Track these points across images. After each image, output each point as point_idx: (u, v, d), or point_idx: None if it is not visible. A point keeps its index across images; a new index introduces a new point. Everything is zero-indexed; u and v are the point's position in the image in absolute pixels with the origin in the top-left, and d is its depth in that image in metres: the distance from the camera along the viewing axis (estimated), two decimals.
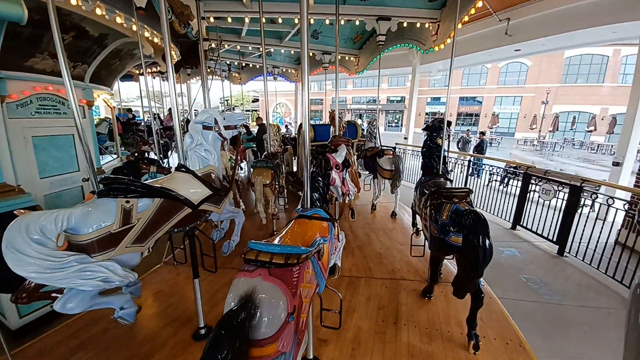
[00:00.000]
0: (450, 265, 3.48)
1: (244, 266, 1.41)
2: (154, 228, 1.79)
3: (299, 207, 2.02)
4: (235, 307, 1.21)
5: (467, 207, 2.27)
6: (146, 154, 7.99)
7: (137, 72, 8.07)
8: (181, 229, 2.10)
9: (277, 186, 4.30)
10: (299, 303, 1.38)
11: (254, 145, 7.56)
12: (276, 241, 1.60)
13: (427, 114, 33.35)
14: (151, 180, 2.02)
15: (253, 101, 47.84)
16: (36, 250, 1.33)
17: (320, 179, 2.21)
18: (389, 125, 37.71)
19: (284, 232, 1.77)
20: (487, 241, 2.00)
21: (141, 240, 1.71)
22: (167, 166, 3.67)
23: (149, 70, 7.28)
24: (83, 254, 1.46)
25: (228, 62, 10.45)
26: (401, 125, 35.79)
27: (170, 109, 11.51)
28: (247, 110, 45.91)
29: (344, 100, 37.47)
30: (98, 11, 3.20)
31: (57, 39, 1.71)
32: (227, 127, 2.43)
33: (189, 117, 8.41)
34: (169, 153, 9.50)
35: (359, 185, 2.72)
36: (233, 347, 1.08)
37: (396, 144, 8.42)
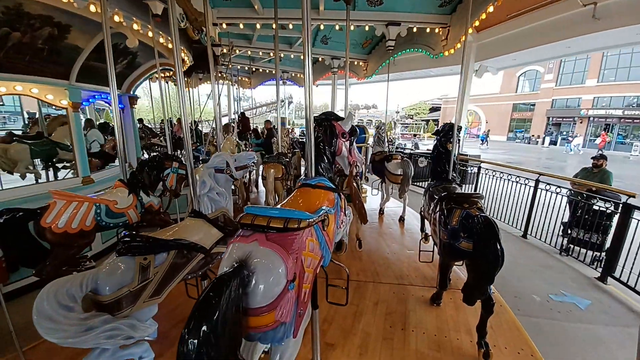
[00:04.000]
0: (459, 271, 3.42)
1: (239, 232, 1.31)
2: (170, 279, 1.83)
3: (302, 176, 1.94)
4: (228, 271, 1.12)
5: (477, 213, 2.24)
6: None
7: (156, 77, 8.30)
8: (194, 275, 2.13)
9: (286, 183, 4.41)
10: (301, 271, 1.29)
11: (262, 149, 7.66)
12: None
13: None
14: (165, 229, 2.08)
15: (431, 110, 41.53)
16: (64, 316, 1.37)
17: (325, 146, 2.06)
18: (620, 143, 22.46)
19: (287, 200, 1.71)
20: (499, 247, 1.97)
21: (158, 292, 1.74)
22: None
23: (163, 75, 7.45)
24: (106, 314, 1.51)
25: (238, 67, 10.61)
26: None
27: (178, 119, 11.60)
28: (423, 120, 40.88)
29: (577, 105, 25.05)
30: (116, 18, 3.31)
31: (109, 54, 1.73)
32: (238, 168, 2.52)
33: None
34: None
35: (366, 218, 2.63)
36: (223, 312, 1.02)
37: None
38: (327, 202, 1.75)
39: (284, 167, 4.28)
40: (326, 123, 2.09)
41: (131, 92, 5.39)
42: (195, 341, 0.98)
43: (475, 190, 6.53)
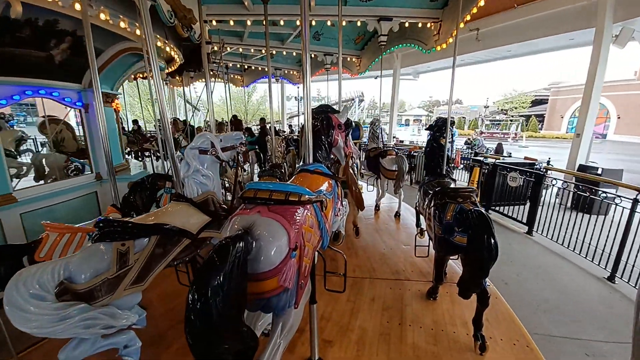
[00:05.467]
0: (455, 265, 3.45)
1: (242, 206, 1.36)
2: (153, 265, 1.76)
3: (300, 163, 2.00)
4: (231, 235, 1.15)
5: (471, 207, 2.26)
6: (148, 153, 8.07)
7: (141, 75, 8.14)
8: (181, 260, 2.06)
9: None
10: (302, 243, 1.34)
11: (257, 147, 7.62)
12: None
13: None
14: (145, 214, 1.98)
15: (534, 103, 33.08)
16: (36, 306, 1.32)
17: (322, 136, 2.12)
18: None
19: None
20: (493, 241, 1.99)
21: (140, 280, 1.69)
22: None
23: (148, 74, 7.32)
24: (82, 303, 1.44)
25: (230, 65, 10.49)
26: None
27: (174, 119, 11.33)
28: (522, 116, 31.43)
29: None
30: (102, 16, 3.23)
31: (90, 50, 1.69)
32: (224, 149, 2.38)
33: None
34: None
35: (363, 205, 2.66)
36: (229, 275, 1.04)
37: None
38: (325, 186, 1.80)
39: (278, 180, 4.22)
40: (323, 115, 2.16)
41: (110, 88, 4.67)
42: (203, 298, 1.00)
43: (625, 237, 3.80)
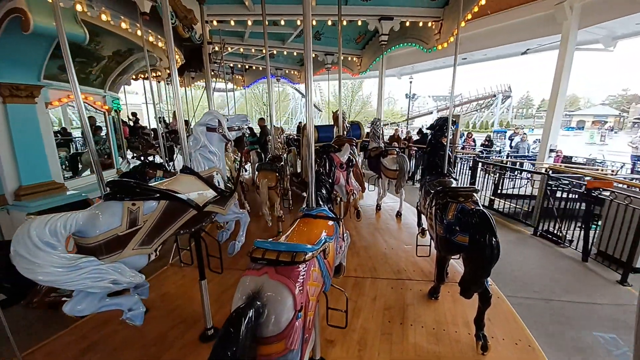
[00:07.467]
0: (456, 265, 3.45)
1: (251, 265, 1.42)
2: (160, 230, 1.81)
3: (304, 206, 2.04)
4: (243, 305, 1.22)
5: (473, 206, 2.25)
6: (152, 158, 8.00)
7: (142, 76, 8.16)
8: (187, 230, 2.12)
9: (281, 188, 4.34)
10: (306, 301, 1.40)
11: (257, 147, 7.63)
12: (282, 240, 1.63)
13: None
14: (156, 182, 2.04)
15: None
16: (45, 253, 1.32)
17: (324, 177, 2.23)
18: None
19: (290, 231, 1.81)
20: (494, 240, 1.98)
21: (148, 242, 1.73)
22: (172, 170, 3.63)
23: (154, 75, 7.34)
24: (91, 257, 1.48)
25: (232, 65, 10.50)
26: None
27: (174, 112, 11.41)
28: None
29: None
30: (103, 17, 3.25)
31: (64, 45, 1.74)
32: (230, 129, 2.44)
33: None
34: (174, 156, 9.58)
35: (364, 185, 2.75)
36: (242, 344, 1.10)
37: None
38: (327, 231, 1.85)
39: (277, 174, 4.18)
40: (325, 155, 2.31)
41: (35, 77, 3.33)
42: None
43: None
